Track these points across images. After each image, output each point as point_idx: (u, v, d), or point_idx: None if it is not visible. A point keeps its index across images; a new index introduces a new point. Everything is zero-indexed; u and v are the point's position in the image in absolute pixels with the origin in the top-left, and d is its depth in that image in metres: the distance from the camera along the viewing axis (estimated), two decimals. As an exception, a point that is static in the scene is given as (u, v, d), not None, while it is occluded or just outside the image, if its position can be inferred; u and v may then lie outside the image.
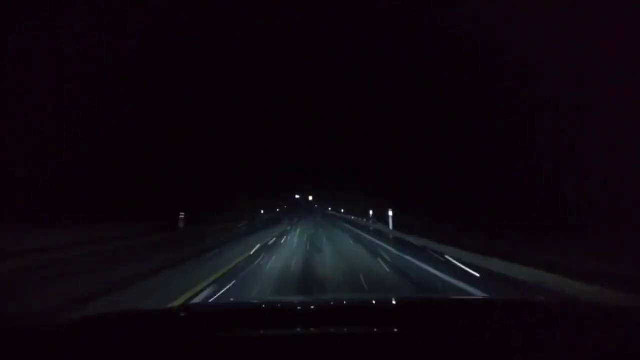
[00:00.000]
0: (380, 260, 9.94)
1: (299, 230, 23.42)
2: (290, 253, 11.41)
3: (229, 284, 6.47)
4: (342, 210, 57.78)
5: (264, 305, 1.85)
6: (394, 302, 1.96)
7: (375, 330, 1.23)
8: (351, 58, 50.22)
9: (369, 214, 31.81)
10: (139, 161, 18.91)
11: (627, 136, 11.43)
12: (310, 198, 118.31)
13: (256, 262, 9.27)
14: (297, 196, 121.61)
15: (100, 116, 16.20)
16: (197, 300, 5.31)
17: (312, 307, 1.77)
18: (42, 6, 12.89)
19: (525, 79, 15.51)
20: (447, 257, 10.33)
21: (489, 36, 17.61)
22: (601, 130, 12.10)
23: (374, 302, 2.15)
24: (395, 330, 1.22)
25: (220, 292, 5.77)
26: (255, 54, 46.45)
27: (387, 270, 8.37)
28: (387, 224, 22.44)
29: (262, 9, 32.00)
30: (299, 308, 1.75)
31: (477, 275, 7.68)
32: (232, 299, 4.73)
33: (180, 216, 20.56)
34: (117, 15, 16.58)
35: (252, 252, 11.20)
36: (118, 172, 17.01)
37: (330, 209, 64.50)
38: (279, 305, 1.91)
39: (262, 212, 52.47)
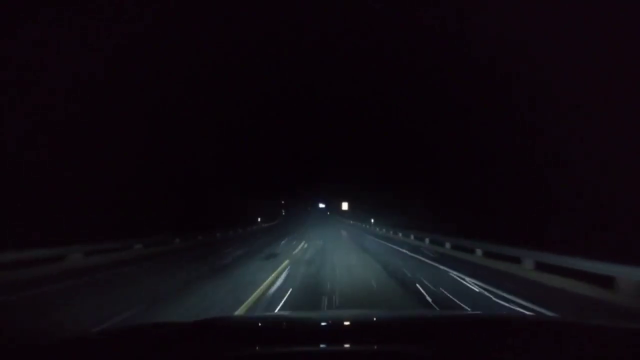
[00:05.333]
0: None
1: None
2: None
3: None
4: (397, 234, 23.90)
5: (286, 321, 1.97)
6: (417, 319, 2.01)
7: (398, 347, 1.23)
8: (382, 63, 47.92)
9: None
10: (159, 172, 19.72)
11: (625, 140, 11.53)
12: (345, 206, 75.88)
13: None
14: (321, 205, 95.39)
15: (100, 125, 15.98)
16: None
17: (337, 323, 1.83)
18: (43, 2, 12.98)
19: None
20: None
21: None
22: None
23: (398, 318, 2.16)
24: (417, 348, 1.22)
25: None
26: (272, 58, 46.86)
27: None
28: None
29: (270, 14, 31.88)
30: (322, 324, 1.81)
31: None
32: (256, 313, 5.06)
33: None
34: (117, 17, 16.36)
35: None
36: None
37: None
38: (301, 320, 2.02)
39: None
